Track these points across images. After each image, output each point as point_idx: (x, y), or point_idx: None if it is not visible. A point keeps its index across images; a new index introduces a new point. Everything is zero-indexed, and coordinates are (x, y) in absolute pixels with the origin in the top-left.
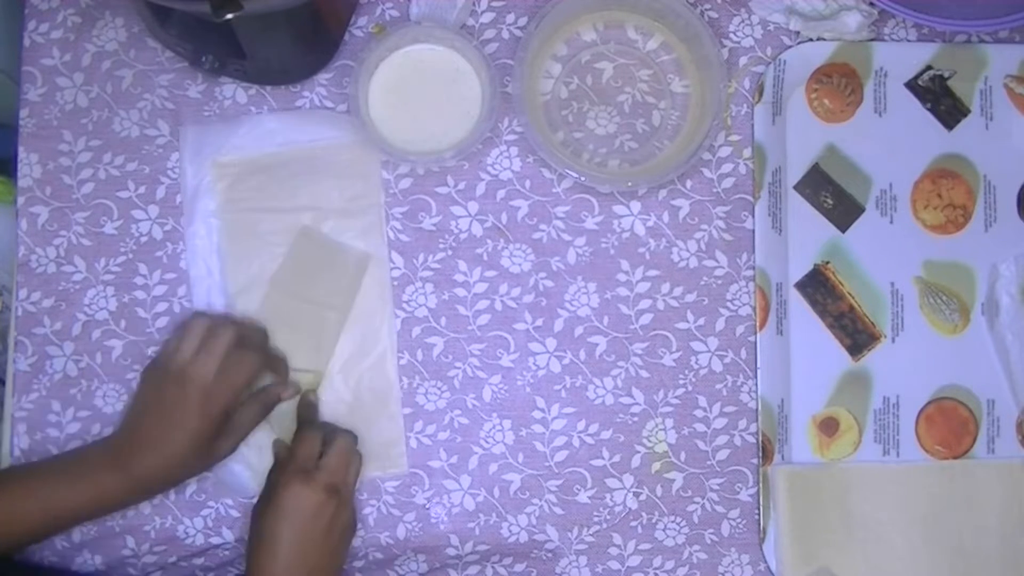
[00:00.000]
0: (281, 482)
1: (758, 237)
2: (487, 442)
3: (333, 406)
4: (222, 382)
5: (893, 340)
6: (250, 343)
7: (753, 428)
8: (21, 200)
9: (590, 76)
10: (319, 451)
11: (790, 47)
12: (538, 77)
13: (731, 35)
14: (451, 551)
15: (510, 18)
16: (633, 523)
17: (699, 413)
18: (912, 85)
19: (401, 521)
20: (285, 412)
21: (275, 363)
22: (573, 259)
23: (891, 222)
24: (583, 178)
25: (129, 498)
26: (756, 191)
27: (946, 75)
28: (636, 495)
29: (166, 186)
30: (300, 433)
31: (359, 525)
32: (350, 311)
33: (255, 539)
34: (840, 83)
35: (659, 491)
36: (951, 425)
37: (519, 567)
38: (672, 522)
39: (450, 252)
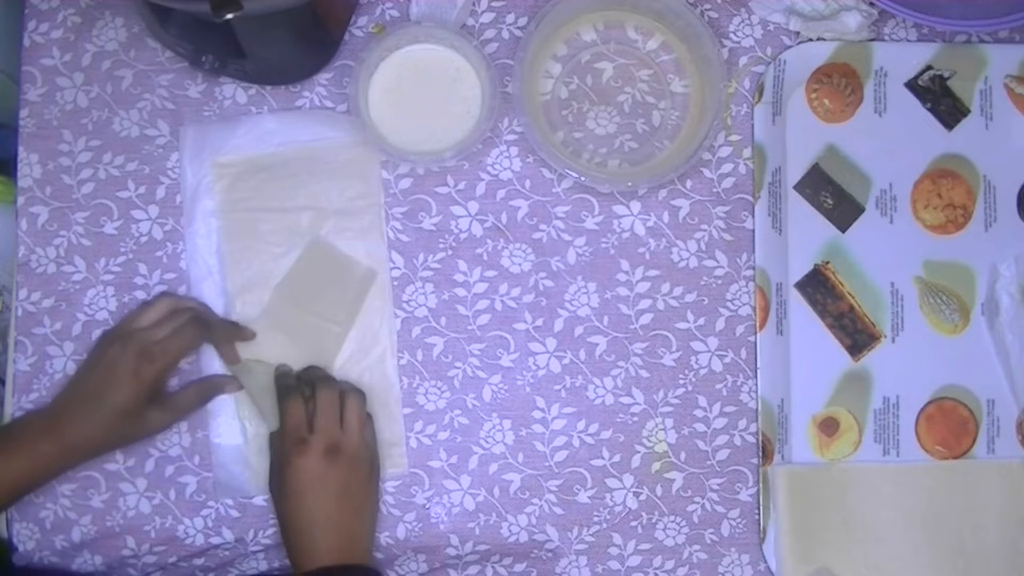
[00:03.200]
0: (280, 462)
1: (758, 237)
2: (487, 442)
3: None
4: (159, 346)
5: (893, 340)
6: (201, 323)
7: (753, 428)
8: (21, 200)
9: (590, 76)
10: (306, 413)
11: (790, 47)
12: (538, 77)
13: (731, 35)
14: (451, 551)
15: (510, 18)
16: (633, 523)
17: (699, 413)
18: (912, 85)
19: (401, 521)
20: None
21: (225, 335)
22: (573, 259)
23: (891, 222)
24: (583, 178)
25: (62, 463)
26: (756, 191)
27: (946, 75)
28: (636, 495)
29: (166, 186)
30: (282, 404)
31: None
32: (351, 327)
33: (283, 524)
34: (840, 83)
35: (659, 491)
36: (951, 425)
37: (519, 567)
38: (672, 522)
39: (450, 252)
